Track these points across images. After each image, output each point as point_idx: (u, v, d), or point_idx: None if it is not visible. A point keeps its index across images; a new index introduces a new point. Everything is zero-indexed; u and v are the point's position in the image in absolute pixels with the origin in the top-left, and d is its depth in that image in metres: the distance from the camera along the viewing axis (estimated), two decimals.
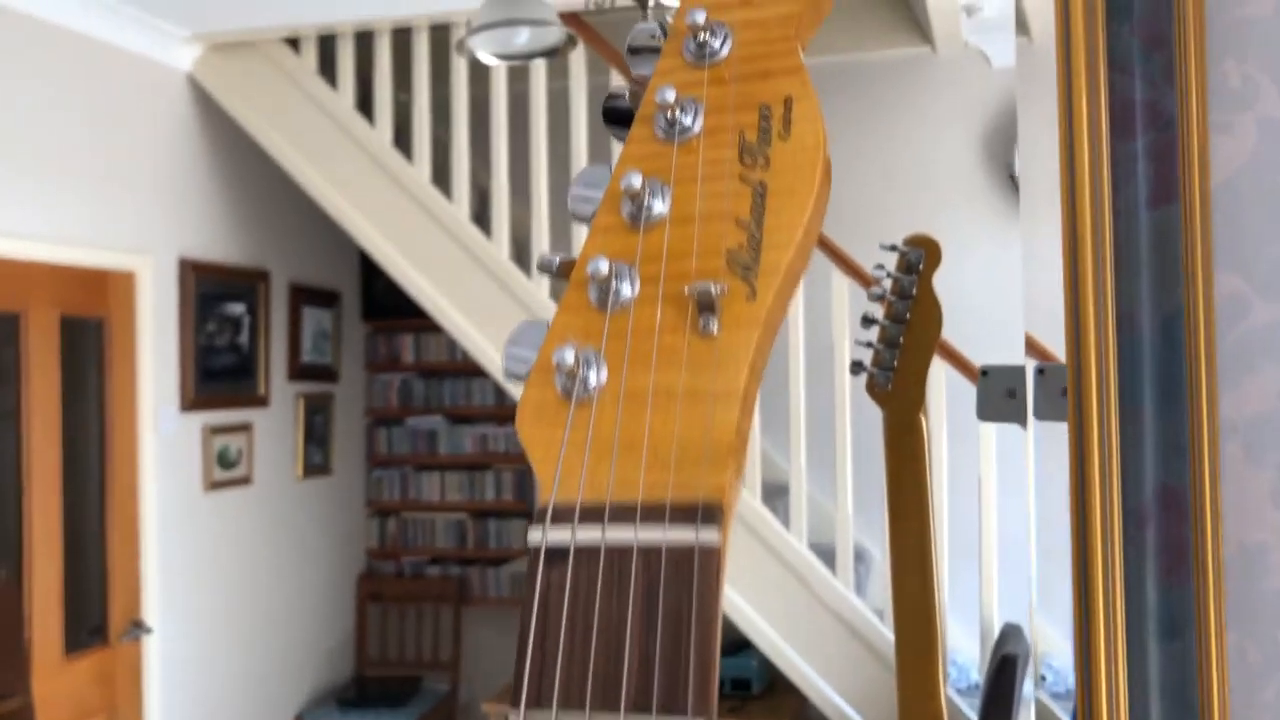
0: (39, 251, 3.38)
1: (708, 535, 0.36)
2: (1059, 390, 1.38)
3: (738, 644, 3.87)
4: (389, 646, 5.23)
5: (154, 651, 3.82)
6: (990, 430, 3.35)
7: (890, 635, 3.42)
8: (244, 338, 4.35)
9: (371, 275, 4.90)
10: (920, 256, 1.45)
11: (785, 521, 3.62)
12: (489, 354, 3.71)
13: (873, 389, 1.49)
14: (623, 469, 0.39)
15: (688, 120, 0.44)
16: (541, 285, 3.68)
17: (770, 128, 0.43)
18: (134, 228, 3.76)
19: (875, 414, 1.51)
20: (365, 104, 3.94)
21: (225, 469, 4.21)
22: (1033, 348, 1.36)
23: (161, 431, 3.87)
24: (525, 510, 5.24)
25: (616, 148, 0.49)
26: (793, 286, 0.41)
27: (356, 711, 4.76)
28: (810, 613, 3.54)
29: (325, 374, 4.96)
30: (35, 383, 3.44)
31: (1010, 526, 3.41)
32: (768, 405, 3.74)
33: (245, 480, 4.33)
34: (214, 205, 4.16)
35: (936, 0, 3.74)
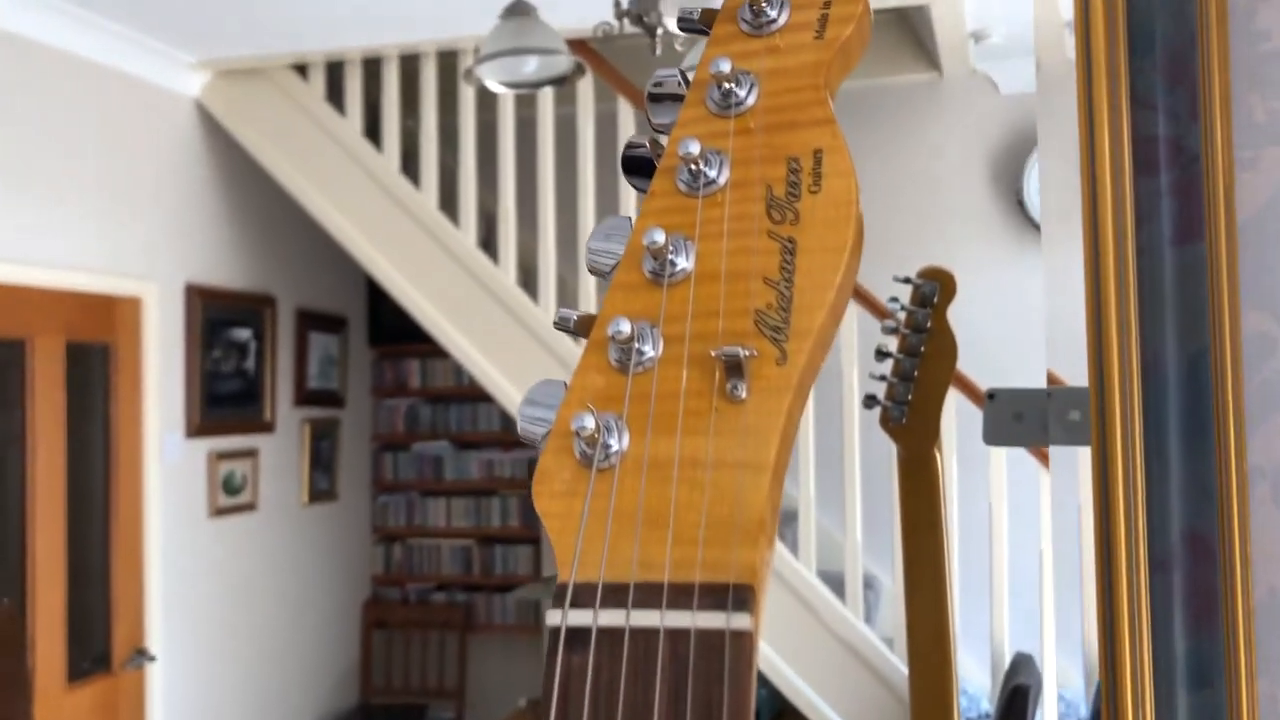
0: (45, 277, 3.38)
1: (739, 621, 0.34)
2: (1069, 414, 1.36)
3: None
4: (394, 674, 5.19)
5: (157, 680, 3.79)
6: (1000, 459, 3.33)
7: (899, 664, 3.39)
8: (250, 363, 4.33)
9: (378, 300, 4.90)
10: (934, 289, 1.42)
11: (794, 548, 3.59)
12: (495, 379, 3.69)
13: (887, 423, 1.46)
14: (647, 546, 0.37)
15: (712, 173, 0.42)
16: (548, 310, 3.66)
17: (800, 181, 0.41)
18: (140, 253, 3.75)
19: (884, 441, 1.49)
20: (373, 130, 3.95)
21: (230, 495, 4.19)
22: (1054, 384, 1.33)
23: (166, 458, 3.85)
24: (532, 537, 5.21)
25: (623, 170, 0.47)
26: (825, 349, 0.39)
27: None
28: (819, 641, 3.51)
29: (331, 399, 4.95)
30: (40, 409, 3.43)
31: (1020, 556, 3.38)
32: None
33: (250, 506, 4.31)
34: (220, 231, 4.16)
35: (944, 27, 3.74)
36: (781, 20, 0.43)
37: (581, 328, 0.43)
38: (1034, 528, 3.27)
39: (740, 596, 0.35)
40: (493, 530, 5.28)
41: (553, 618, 0.36)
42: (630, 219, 0.45)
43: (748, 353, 0.38)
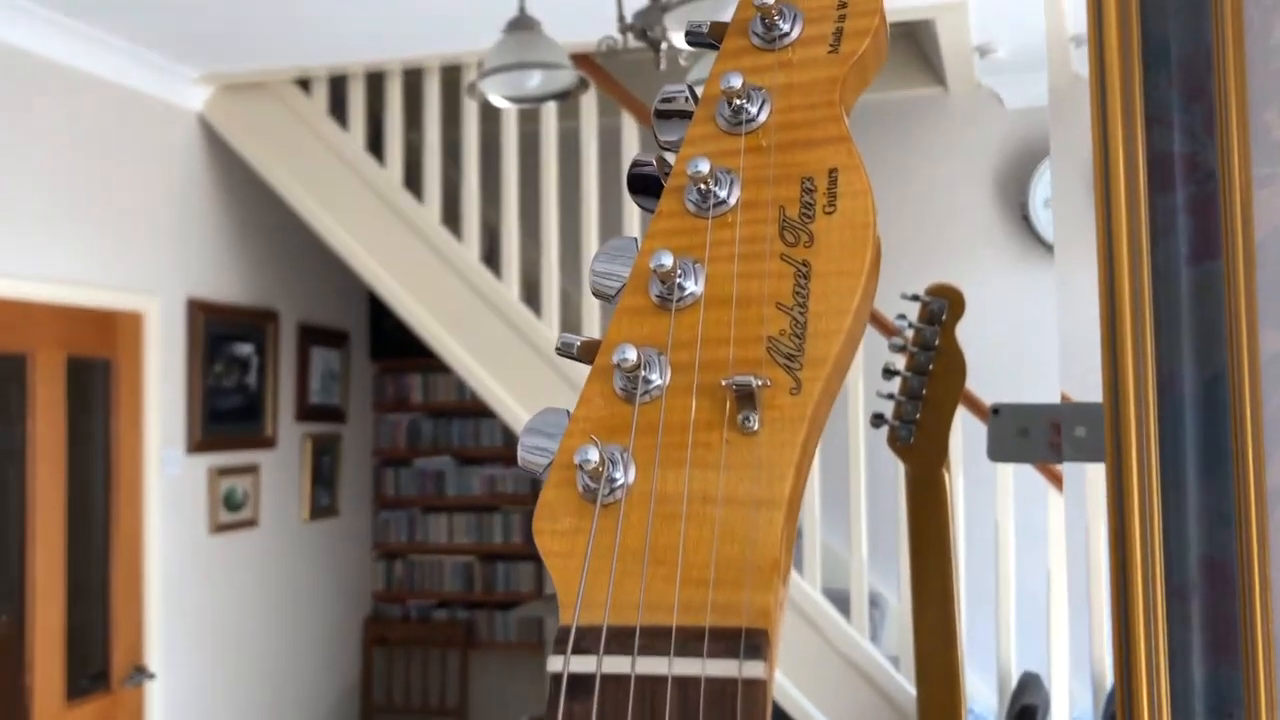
0: (46, 292, 3.36)
1: (752, 669, 0.32)
2: (1076, 430, 1.33)
3: None
4: (395, 691, 5.15)
5: (157, 698, 3.76)
6: (1008, 477, 3.30)
7: (905, 683, 3.36)
8: (251, 378, 4.32)
9: (380, 315, 4.88)
10: (943, 306, 1.40)
11: (798, 566, 3.56)
12: (498, 395, 3.67)
13: (894, 443, 1.44)
14: (654, 587, 0.35)
15: (722, 193, 0.40)
16: (552, 325, 3.65)
17: (814, 202, 0.39)
18: (142, 268, 3.74)
19: (890, 455, 1.47)
20: (375, 144, 3.94)
21: (231, 511, 4.16)
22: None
23: (167, 473, 3.83)
24: (534, 554, 5.18)
25: (626, 183, 0.45)
26: (840, 378, 0.37)
27: None
28: (824, 659, 3.48)
29: (333, 415, 4.93)
30: (40, 424, 3.41)
31: (1028, 574, 3.35)
32: None
33: (251, 523, 4.29)
34: (223, 245, 4.15)
35: (949, 41, 3.73)
36: (794, 34, 0.42)
37: (585, 354, 0.41)
38: (1042, 545, 3.24)
39: (753, 642, 0.33)
40: (495, 547, 5.25)
41: (554, 664, 0.34)
42: (636, 240, 0.43)
43: (760, 382, 0.36)
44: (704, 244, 0.40)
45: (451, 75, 3.91)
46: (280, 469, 4.51)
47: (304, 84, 3.94)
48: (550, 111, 3.67)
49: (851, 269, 0.38)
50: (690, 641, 0.33)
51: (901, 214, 4.25)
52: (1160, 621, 0.87)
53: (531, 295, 3.78)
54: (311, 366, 4.72)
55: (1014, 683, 3.24)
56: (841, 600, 3.53)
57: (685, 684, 0.33)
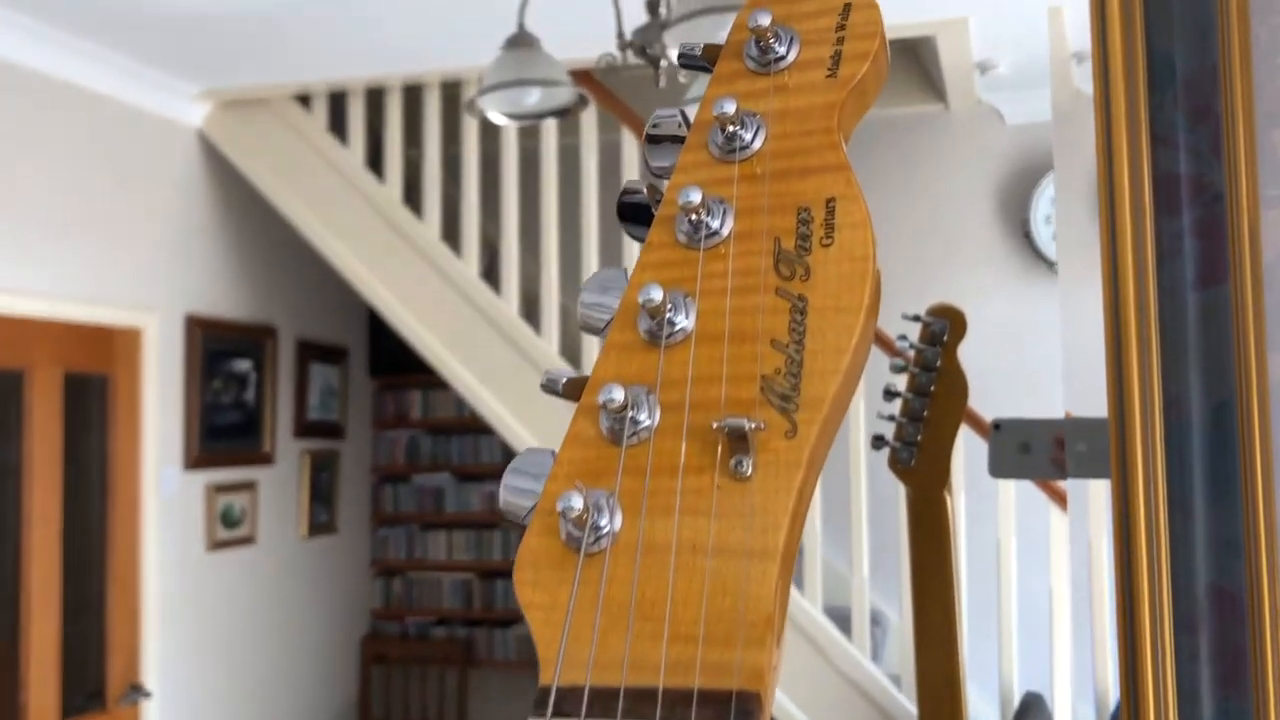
0: (43, 308, 3.35)
1: None
2: (1078, 446, 1.31)
3: None
4: (393, 710, 5.12)
5: (153, 716, 3.73)
6: (1010, 494, 3.28)
7: (907, 703, 3.33)
8: (250, 394, 4.30)
9: (379, 331, 4.86)
10: (945, 327, 1.39)
11: (799, 584, 3.53)
12: (497, 412, 3.65)
13: (895, 464, 1.42)
14: (640, 644, 0.33)
15: (715, 223, 0.38)
16: (551, 342, 3.63)
17: (810, 233, 0.37)
18: (140, 284, 3.73)
19: (891, 474, 1.44)
20: (375, 161, 3.93)
21: (228, 528, 4.14)
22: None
23: (164, 490, 3.81)
24: None
25: (619, 217, 0.43)
26: (839, 420, 0.36)
27: None
28: (824, 679, 3.45)
29: (332, 431, 4.91)
30: (37, 440, 3.39)
31: (1031, 593, 3.32)
32: None
33: (249, 540, 4.26)
34: (222, 261, 4.13)
35: (950, 58, 3.72)
36: (791, 57, 0.40)
37: (570, 391, 0.39)
38: (1045, 564, 3.21)
39: (744, 707, 0.31)
40: (494, 564, 5.22)
41: None
42: (626, 271, 0.41)
43: (753, 425, 0.34)
44: (695, 277, 0.38)
45: (451, 91, 3.90)
46: (278, 486, 4.48)
47: (304, 100, 3.93)
48: (550, 128, 3.66)
49: (850, 305, 0.36)
50: (678, 706, 0.31)
51: (902, 230, 4.23)
52: (1168, 652, 0.85)
53: (531, 312, 3.76)
54: (310, 383, 4.70)
55: (1016, 703, 3.21)
56: (843, 618, 3.51)
57: None
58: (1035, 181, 4.15)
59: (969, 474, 3.21)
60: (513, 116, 2.44)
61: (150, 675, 3.73)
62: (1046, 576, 3.20)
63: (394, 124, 3.86)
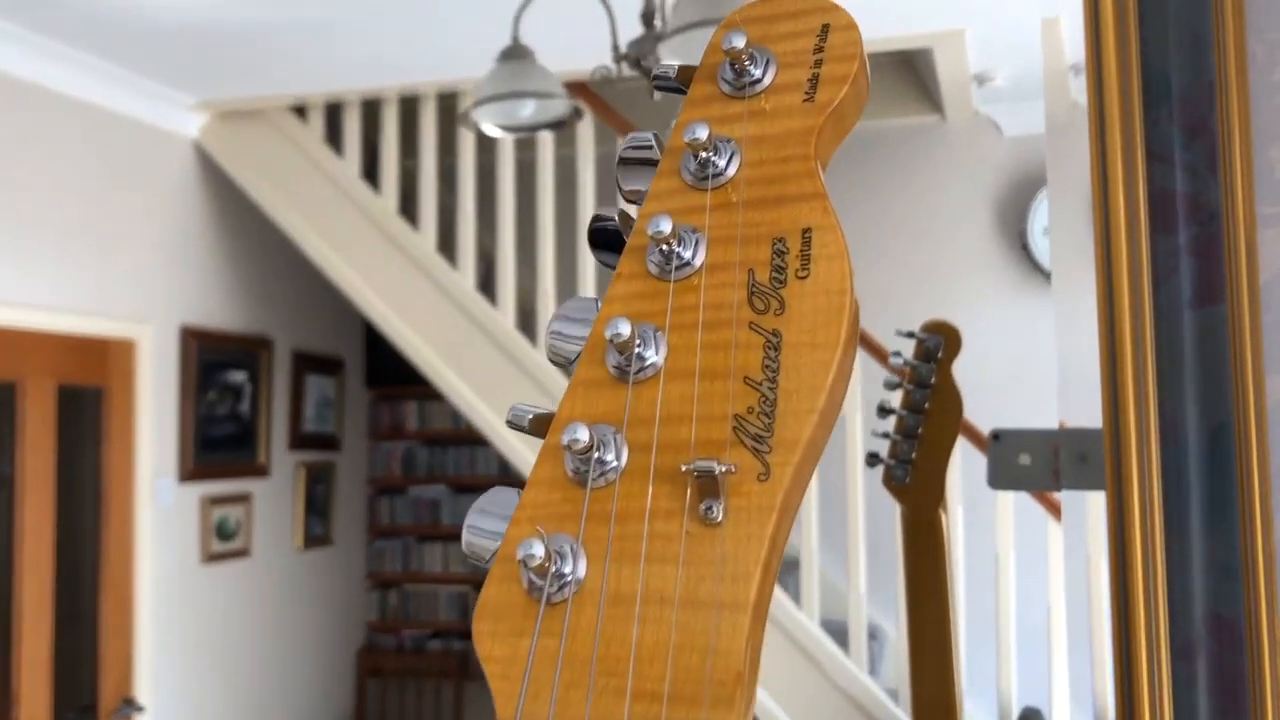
0: (37, 320, 3.33)
1: None
2: (1078, 457, 1.30)
3: None
4: None
5: None
6: (1008, 507, 3.26)
7: (903, 716, 3.30)
8: (245, 406, 4.28)
9: (376, 342, 4.85)
10: (939, 343, 1.37)
11: (795, 598, 3.51)
12: (492, 424, 3.63)
13: (890, 483, 1.40)
14: (602, 702, 0.31)
15: (687, 253, 0.37)
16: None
17: (786, 265, 0.36)
18: (135, 295, 3.71)
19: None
20: (371, 172, 3.92)
21: (223, 541, 4.12)
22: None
23: (159, 503, 3.79)
24: None
25: (589, 244, 0.42)
26: (814, 461, 0.34)
27: None
28: (821, 693, 3.43)
29: (327, 442, 4.89)
30: (30, 452, 3.37)
31: (1028, 607, 3.30)
32: None
33: (244, 552, 4.24)
34: (217, 272, 4.12)
35: (947, 69, 3.71)
36: (767, 80, 0.38)
37: (537, 428, 0.38)
38: (1042, 577, 3.19)
39: None
40: None
41: None
42: (596, 301, 0.39)
43: (724, 468, 0.33)
44: (666, 310, 0.36)
45: (448, 103, 3.89)
46: (273, 498, 4.46)
47: (300, 111, 3.93)
48: (546, 139, 3.65)
49: (826, 340, 0.34)
50: None
51: (899, 242, 4.22)
52: (1165, 681, 0.83)
53: (527, 323, 3.75)
54: (306, 394, 4.68)
55: (1015, 717, 3.19)
56: (840, 632, 3.49)
57: None
58: (1033, 193, 4.14)
59: (966, 487, 3.20)
60: (507, 129, 2.43)
61: (143, 689, 3.70)
62: (1045, 590, 3.18)
63: (390, 135, 3.85)
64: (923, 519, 1.38)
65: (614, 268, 0.40)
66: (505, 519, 0.36)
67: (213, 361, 4.08)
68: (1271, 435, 0.84)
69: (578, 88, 3.39)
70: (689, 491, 0.33)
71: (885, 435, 1.41)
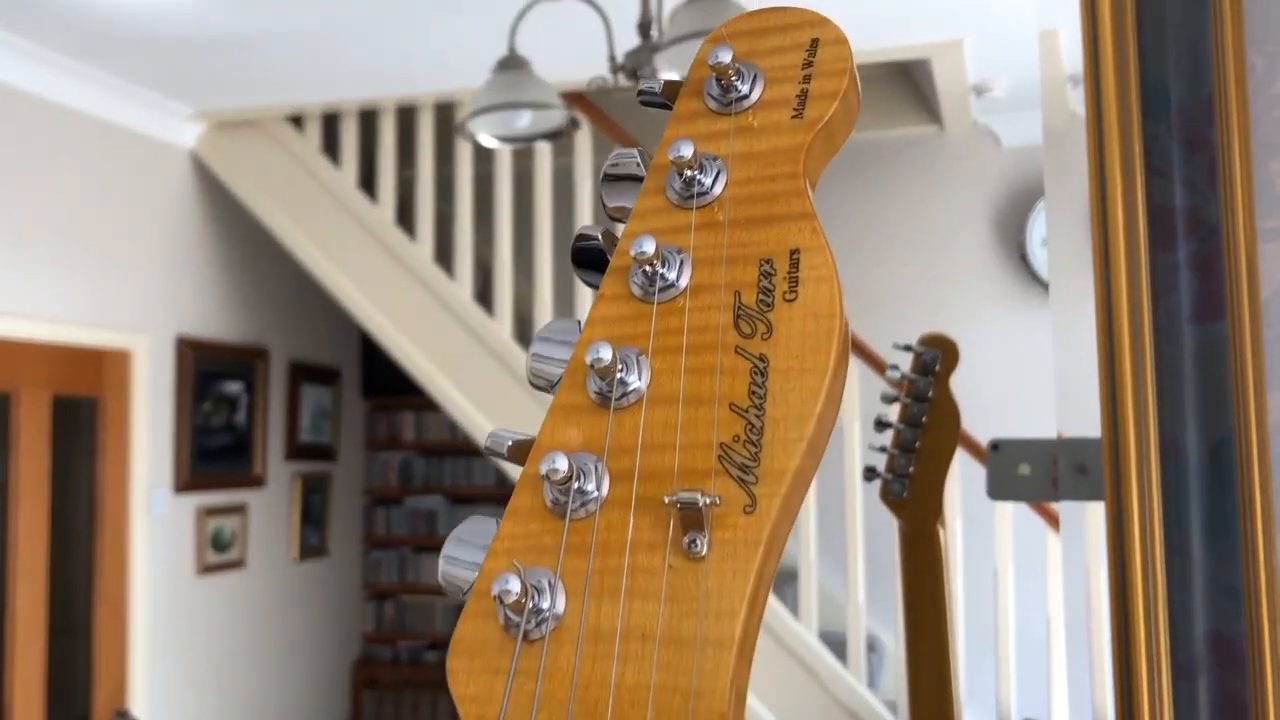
0: (32, 330, 3.32)
1: None
2: (1077, 467, 1.28)
3: None
4: None
5: None
6: (1006, 519, 3.25)
7: None
8: (241, 416, 4.26)
9: (372, 352, 4.83)
10: (936, 356, 1.36)
11: (794, 609, 3.50)
12: (489, 434, 3.62)
13: (887, 497, 1.39)
14: None
15: (671, 275, 0.36)
16: None
17: (773, 287, 0.34)
18: (131, 306, 3.70)
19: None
20: (368, 182, 3.91)
21: (219, 552, 4.10)
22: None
23: (154, 513, 3.77)
24: None
25: (573, 263, 0.41)
26: (803, 492, 0.33)
27: None
28: (819, 705, 3.41)
29: (323, 453, 4.87)
30: (25, 463, 3.36)
31: (1027, 617, 3.29)
32: None
33: (239, 563, 4.22)
34: (213, 283, 4.11)
35: (945, 80, 3.70)
36: (754, 96, 0.37)
37: (516, 455, 0.36)
38: (1041, 589, 3.18)
39: None
40: None
41: None
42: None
43: (709, 501, 0.31)
44: (649, 333, 0.35)
45: (445, 113, 3.88)
46: (269, 508, 4.45)
47: (297, 121, 3.92)
48: (544, 149, 3.64)
49: (814, 366, 0.33)
50: None
51: (897, 253, 4.21)
52: (1165, 702, 0.82)
53: (524, 333, 3.74)
54: (302, 404, 4.66)
55: None
56: (839, 644, 3.47)
57: None
58: (1031, 204, 4.13)
59: (965, 498, 3.18)
60: (504, 139, 2.42)
61: (138, 701, 3.68)
62: (1043, 601, 3.17)
63: (387, 145, 3.84)
64: (921, 533, 1.37)
65: (598, 287, 0.38)
66: (483, 549, 0.35)
67: (208, 371, 4.06)
68: (1273, 452, 0.83)
69: (575, 98, 3.39)
70: (672, 524, 0.32)
71: (882, 449, 1.40)
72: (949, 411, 1.37)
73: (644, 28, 2.24)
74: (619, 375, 0.34)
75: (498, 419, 3.63)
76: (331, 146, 3.90)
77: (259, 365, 4.37)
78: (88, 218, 3.52)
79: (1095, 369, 0.88)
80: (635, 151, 0.39)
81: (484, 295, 3.85)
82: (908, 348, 1.37)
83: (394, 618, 5.26)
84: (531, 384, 0.38)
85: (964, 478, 3.13)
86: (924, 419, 1.38)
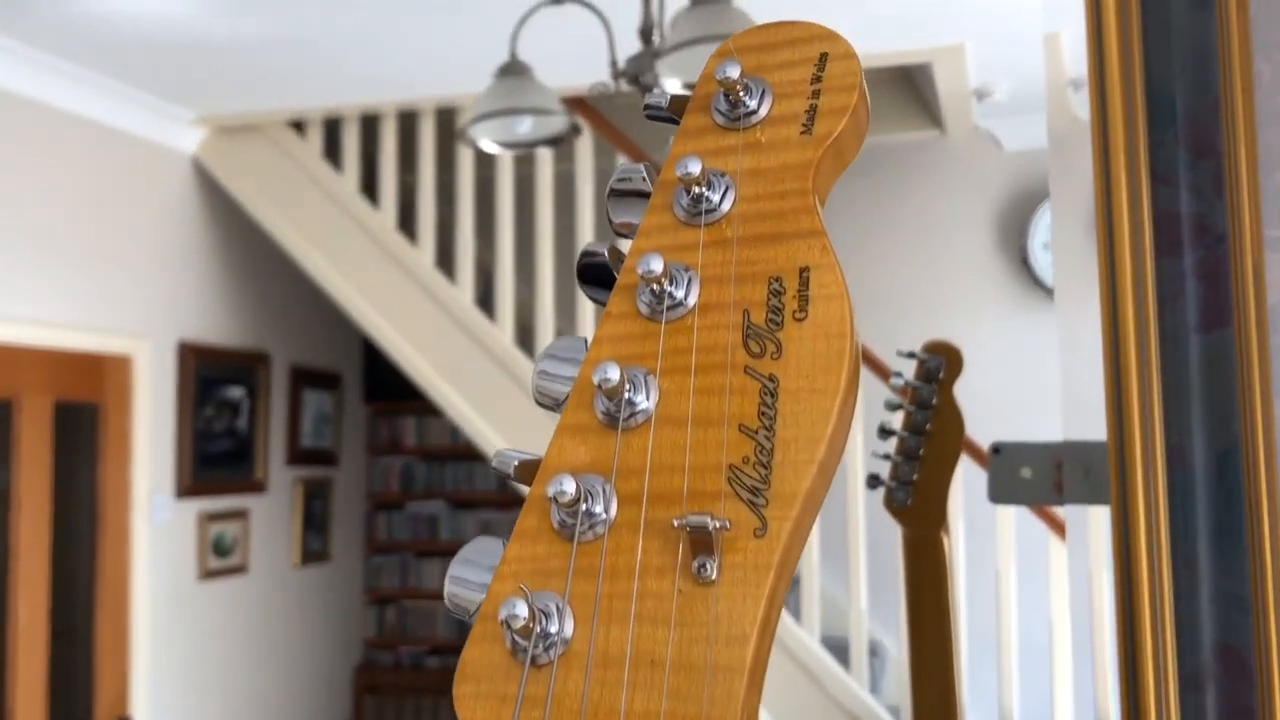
0: (33, 336, 3.32)
1: None
2: (1081, 470, 1.28)
3: None
4: None
5: None
6: (1009, 523, 3.24)
7: None
8: (242, 421, 4.26)
9: (374, 357, 4.83)
10: (940, 364, 1.35)
11: (796, 614, 3.49)
12: (491, 440, 3.62)
13: (891, 504, 1.39)
14: None
15: (679, 293, 0.35)
16: None
17: (783, 306, 0.34)
18: (132, 311, 3.70)
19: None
20: (370, 187, 3.90)
21: (220, 557, 4.10)
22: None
23: (155, 519, 3.77)
24: None
25: (578, 279, 0.40)
26: (813, 515, 0.32)
27: None
28: (821, 711, 3.40)
29: (325, 458, 4.87)
30: (26, 469, 3.36)
31: (1030, 621, 3.28)
32: None
33: (240, 569, 4.22)
34: (215, 287, 4.11)
35: (947, 84, 3.70)
36: (763, 111, 0.37)
37: (523, 475, 0.36)
38: (1042, 591, 3.17)
39: None
40: None
41: None
42: (586, 340, 0.38)
43: (718, 524, 0.31)
44: (657, 352, 0.35)
45: (446, 118, 3.88)
46: (271, 514, 4.44)
47: (298, 126, 3.92)
48: (545, 154, 3.64)
49: (825, 387, 0.32)
50: None
51: (899, 257, 4.21)
52: (1173, 712, 0.81)
53: (526, 339, 3.73)
54: (303, 409, 4.66)
55: None
56: (840, 649, 3.46)
57: None
58: (1033, 208, 4.13)
59: (967, 504, 3.18)
60: (505, 145, 2.42)
61: (139, 707, 3.67)
62: (1046, 606, 3.16)
63: (389, 150, 3.84)
64: (924, 541, 1.36)
65: (604, 304, 0.38)
66: (490, 569, 0.35)
67: (210, 377, 4.06)
68: None
69: (576, 103, 3.38)
70: (681, 547, 0.32)
71: (886, 457, 1.40)
72: (953, 419, 1.36)
73: (645, 33, 2.23)
74: (627, 395, 0.34)
75: (499, 424, 3.62)
76: (333, 152, 3.90)
77: (260, 370, 4.37)
78: (89, 223, 3.52)
79: (1100, 375, 0.87)
80: (641, 166, 0.39)
81: (485, 300, 3.85)
82: (911, 355, 1.37)
83: (395, 623, 5.25)
84: (537, 402, 0.37)
85: (965, 481, 3.13)
86: (928, 426, 1.37)
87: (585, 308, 3.68)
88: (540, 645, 0.32)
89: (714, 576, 0.31)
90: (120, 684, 3.65)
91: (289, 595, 4.58)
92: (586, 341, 0.37)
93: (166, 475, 3.84)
